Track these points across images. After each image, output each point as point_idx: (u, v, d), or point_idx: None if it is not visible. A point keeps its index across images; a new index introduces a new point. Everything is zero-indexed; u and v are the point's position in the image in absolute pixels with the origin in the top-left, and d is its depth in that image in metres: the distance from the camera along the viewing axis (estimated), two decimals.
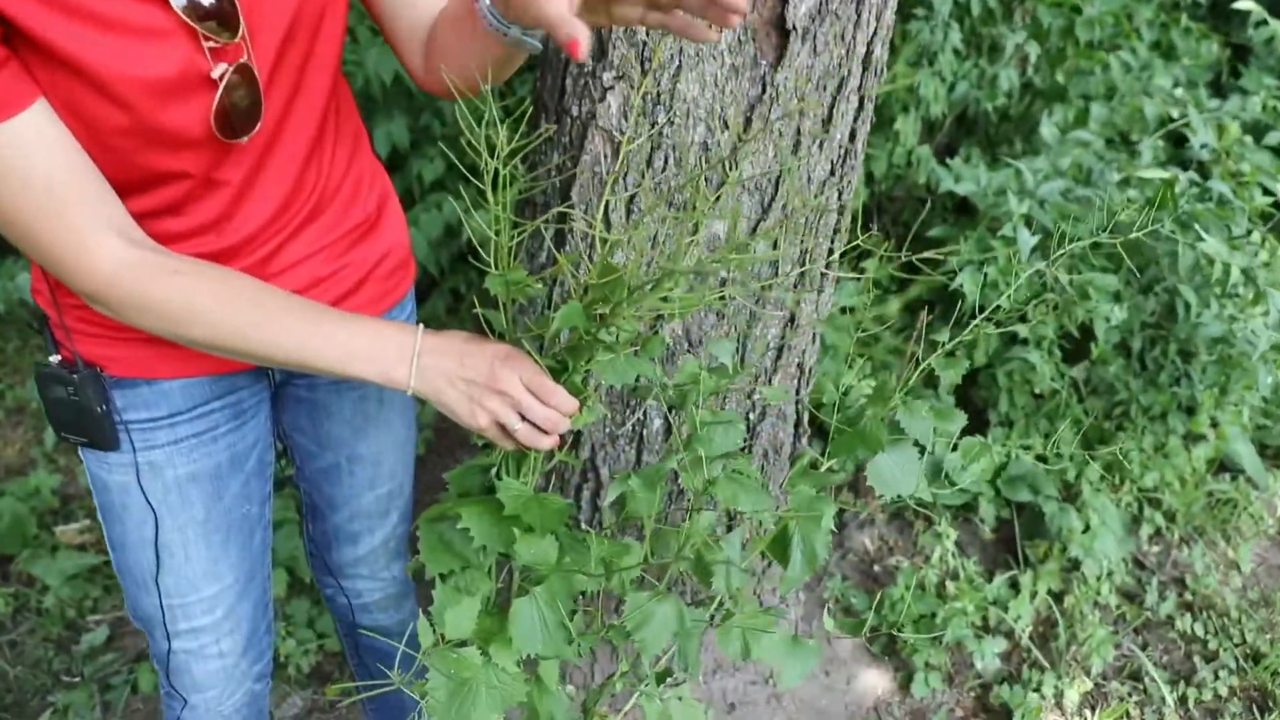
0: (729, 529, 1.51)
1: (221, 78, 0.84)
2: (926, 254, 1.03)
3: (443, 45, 0.96)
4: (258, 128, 0.90)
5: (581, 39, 0.71)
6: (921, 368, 1.20)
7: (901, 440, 1.14)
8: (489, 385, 0.90)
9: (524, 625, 0.99)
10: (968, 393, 2.35)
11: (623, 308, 0.85)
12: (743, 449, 1.53)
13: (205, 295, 0.88)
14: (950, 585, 1.89)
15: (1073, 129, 2.68)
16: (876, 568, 2.06)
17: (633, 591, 1.00)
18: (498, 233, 0.87)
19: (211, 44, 0.83)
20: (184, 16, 0.80)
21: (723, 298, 1.01)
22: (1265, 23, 3.31)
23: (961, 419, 1.21)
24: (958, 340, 1.23)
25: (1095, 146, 2.54)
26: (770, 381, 1.51)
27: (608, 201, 1.31)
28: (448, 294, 2.70)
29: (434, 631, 0.94)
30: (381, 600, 1.39)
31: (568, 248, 1.38)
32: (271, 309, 0.90)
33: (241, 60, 0.86)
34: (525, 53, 0.90)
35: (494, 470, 1.01)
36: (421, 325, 0.93)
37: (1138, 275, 2.25)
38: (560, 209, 1.33)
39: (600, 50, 1.27)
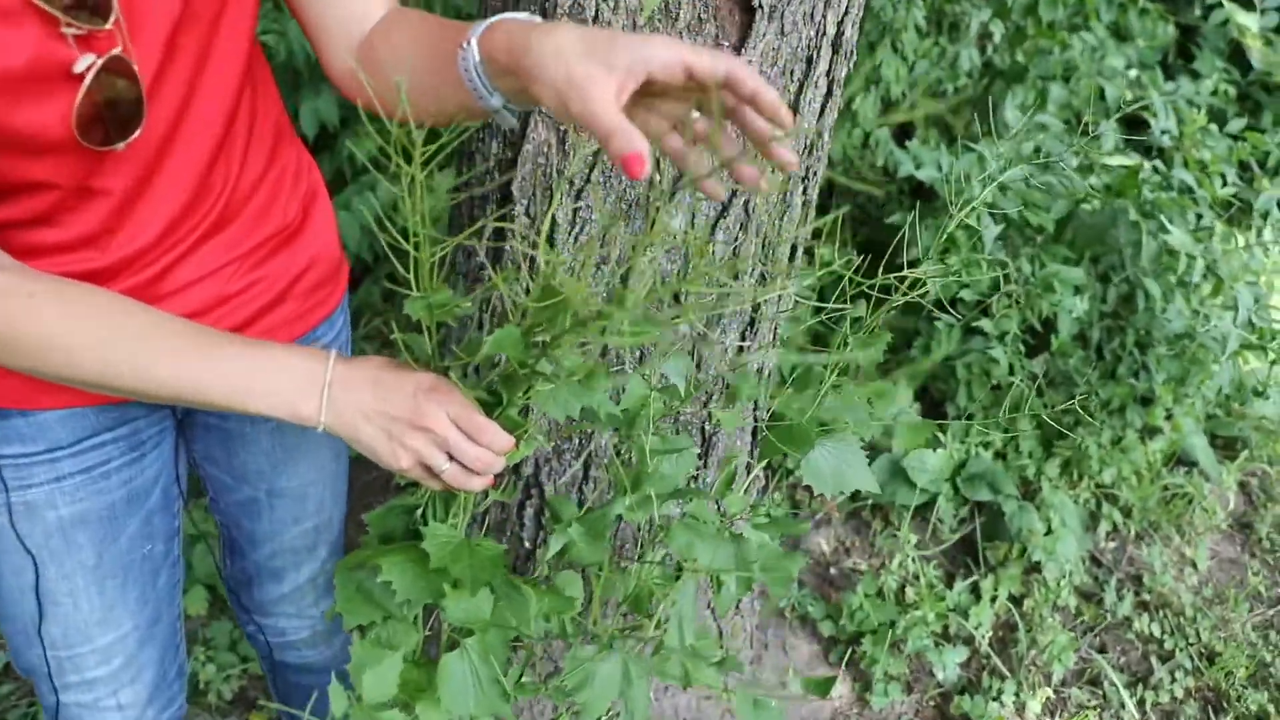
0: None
1: (88, 72, 0.70)
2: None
3: (382, 63, 0.80)
4: (139, 132, 0.75)
5: (645, 154, 0.58)
6: (849, 349, 1.09)
7: (838, 431, 1.05)
8: (411, 421, 0.77)
9: (454, 683, 0.88)
10: (925, 385, 2.28)
11: (565, 339, 0.72)
12: (699, 464, 1.43)
13: (65, 323, 0.73)
14: (910, 591, 1.82)
15: (1032, 111, 2.61)
16: (833, 570, 1.99)
17: (575, 645, 0.90)
18: (417, 246, 0.74)
19: (74, 30, 0.68)
20: None
21: (678, 316, 0.90)
22: (1220, 5, 3.27)
23: (899, 395, 1.12)
24: (883, 310, 1.13)
25: (1055, 129, 2.48)
26: (726, 388, 1.40)
27: (553, 198, 1.19)
28: (384, 281, 2.55)
29: (349, 698, 0.82)
30: (309, 638, 1.27)
31: (507, 248, 1.25)
32: (149, 338, 0.76)
33: (115, 51, 0.71)
34: (490, 118, 0.75)
35: (419, 512, 0.89)
36: (334, 352, 0.80)
37: (1095, 262, 2.20)
38: (495, 221, 1.20)
39: None
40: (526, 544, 1.45)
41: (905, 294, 1.08)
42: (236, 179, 0.88)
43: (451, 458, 0.79)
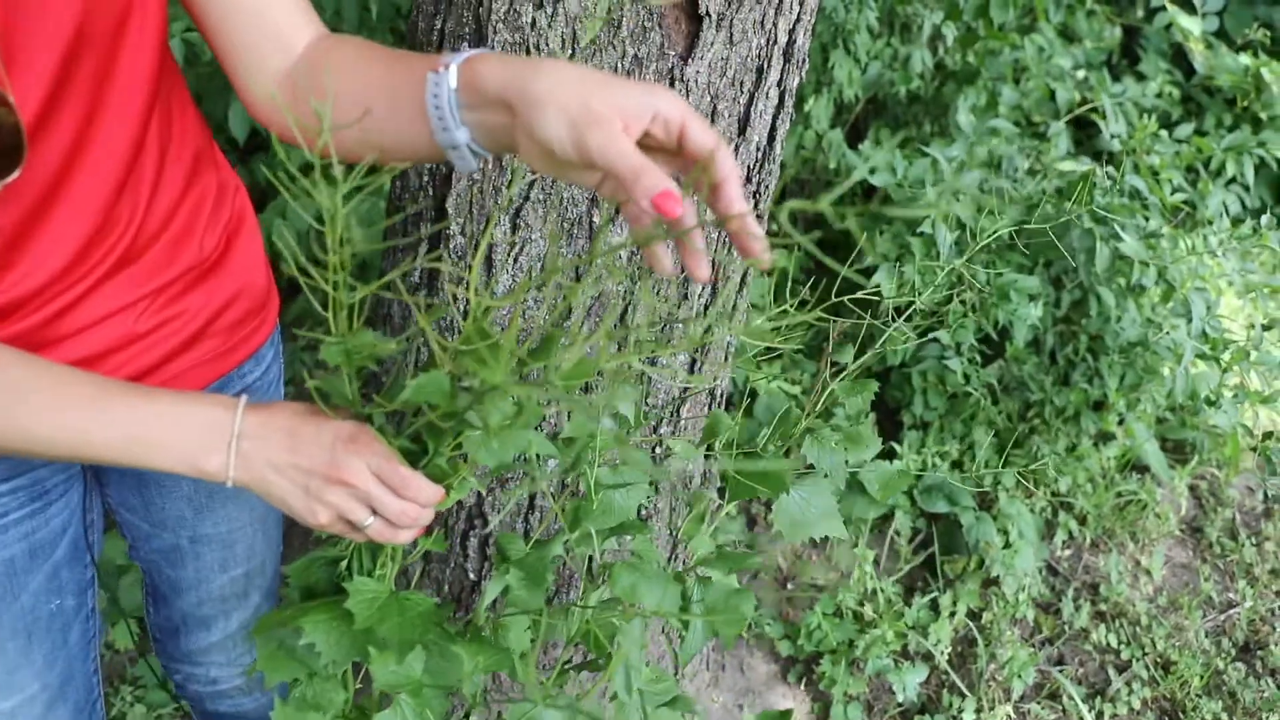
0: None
1: None
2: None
3: (322, 95, 0.73)
4: (18, 172, 0.68)
5: (675, 189, 0.56)
6: (828, 390, 1.11)
7: (809, 475, 1.05)
8: (328, 475, 0.71)
9: None
10: (880, 392, 2.26)
11: (492, 395, 0.67)
12: (650, 493, 1.38)
13: None
14: (868, 608, 1.79)
15: (984, 113, 2.61)
16: (790, 586, 1.95)
17: (514, 702, 0.84)
18: (335, 286, 0.68)
19: None
20: None
21: (621, 349, 0.85)
22: (1163, 8, 3.30)
23: (876, 445, 1.13)
24: (866, 359, 1.16)
25: (1006, 132, 2.48)
26: (678, 413, 1.35)
27: (490, 216, 1.12)
28: (321, 292, 2.44)
29: None
30: (243, 685, 1.20)
31: (444, 271, 1.18)
32: (27, 391, 0.68)
33: None
34: (443, 159, 0.69)
35: (344, 564, 0.82)
36: (244, 399, 0.73)
37: (1047, 266, 2.20)
38: (430, 241, 1.13)
39: (479, 37, 1.07)
40: (471, 575, 1.40)
41: (877, 332, 1.08)
42: (146, 210, 0.81)
43: (376, 512, 0.73)
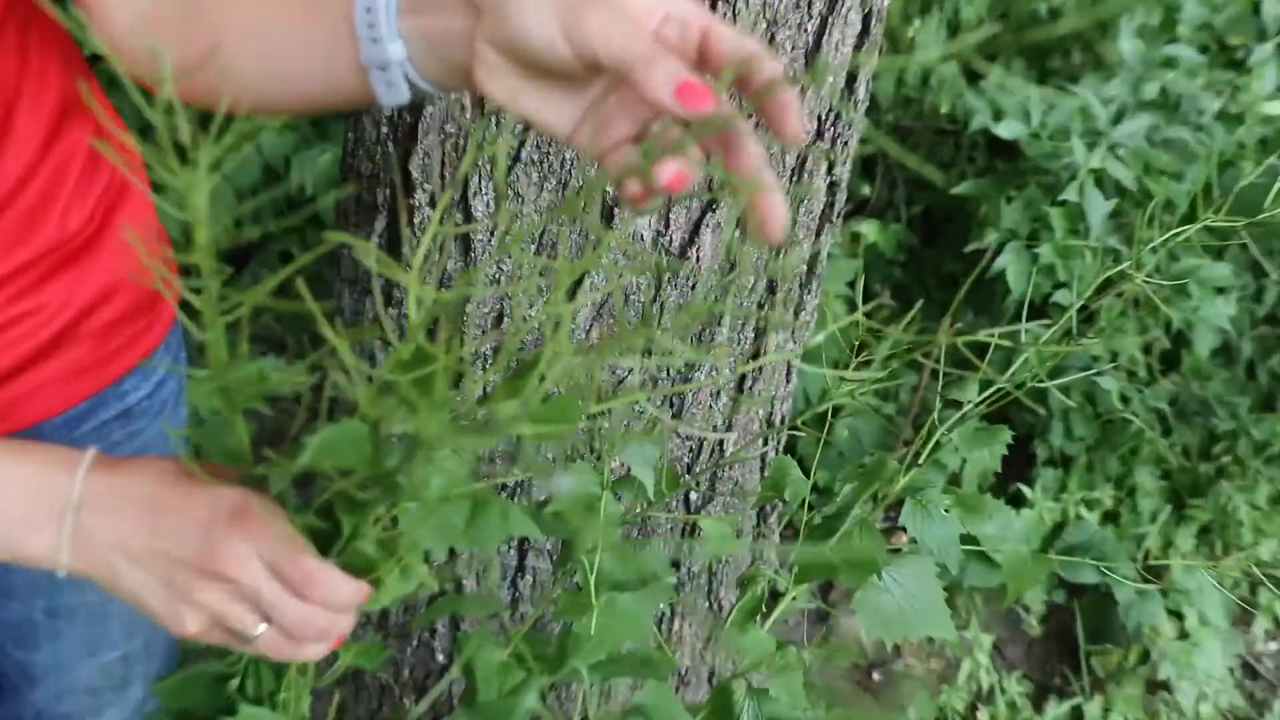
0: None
1: None
2: None
3: (207, 27, 0.73)
4: None
5: (698, 79, 0.57)
6: (937, 434, 1.07)
7: (909, 554, 1.03)
8: (202, 566, 0.67)
9: None
10: (1004, 414, 2.21)
11: (425, 455, 0.60)
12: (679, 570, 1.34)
13: None
14: (984, 713, 1.73)
15: (1157, 36, 2.52)
16: (876, 675, 1.92)
17: None
18: (205, 302, 0.61)
19: None
20: None
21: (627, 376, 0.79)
22: None
23: (1001, 512, 1.10)
24: (990, 394, 1.14)
25: (1187, 62, 2.40)
26: (722, 447, 1.31)
27: (467, 182, 1.10)
28: (275, 259, 2.47)
29: None
30: None
31: (407, 249, 1.14)
32: None
33: None
34: (361, 98, 0.70)
35: (236, 681, 0.77)
36: (92, 453, 0.70)
37: (1243, 248, 2.13)
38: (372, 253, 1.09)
39: None
40: (440, 657, 1.41)
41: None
42: None
43: (270, 618, 0.68)
